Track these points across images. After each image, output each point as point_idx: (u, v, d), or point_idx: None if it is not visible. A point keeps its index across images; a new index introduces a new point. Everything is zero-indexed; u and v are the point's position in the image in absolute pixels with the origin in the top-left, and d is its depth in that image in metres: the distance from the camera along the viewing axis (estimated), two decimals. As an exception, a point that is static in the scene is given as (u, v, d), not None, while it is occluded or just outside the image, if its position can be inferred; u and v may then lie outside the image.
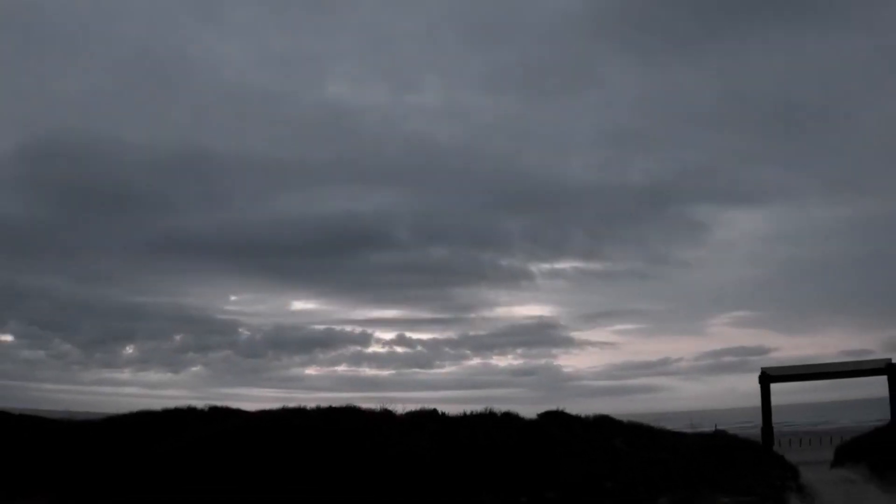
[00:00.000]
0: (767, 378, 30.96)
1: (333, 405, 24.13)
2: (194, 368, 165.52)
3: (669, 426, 29.10)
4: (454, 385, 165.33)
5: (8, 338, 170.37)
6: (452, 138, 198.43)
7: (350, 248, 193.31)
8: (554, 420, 26.94)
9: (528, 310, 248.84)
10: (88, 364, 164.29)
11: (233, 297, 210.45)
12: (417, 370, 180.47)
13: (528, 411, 25.81)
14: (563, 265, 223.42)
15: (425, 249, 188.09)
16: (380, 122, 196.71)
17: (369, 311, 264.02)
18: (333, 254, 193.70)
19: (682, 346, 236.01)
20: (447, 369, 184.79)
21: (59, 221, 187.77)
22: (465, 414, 25.08)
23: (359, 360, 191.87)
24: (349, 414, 24.99)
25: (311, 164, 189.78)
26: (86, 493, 18.16)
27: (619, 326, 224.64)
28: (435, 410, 25.23)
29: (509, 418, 25.65)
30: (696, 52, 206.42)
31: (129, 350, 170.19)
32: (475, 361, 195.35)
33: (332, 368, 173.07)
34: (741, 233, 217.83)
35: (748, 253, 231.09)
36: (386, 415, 24.68)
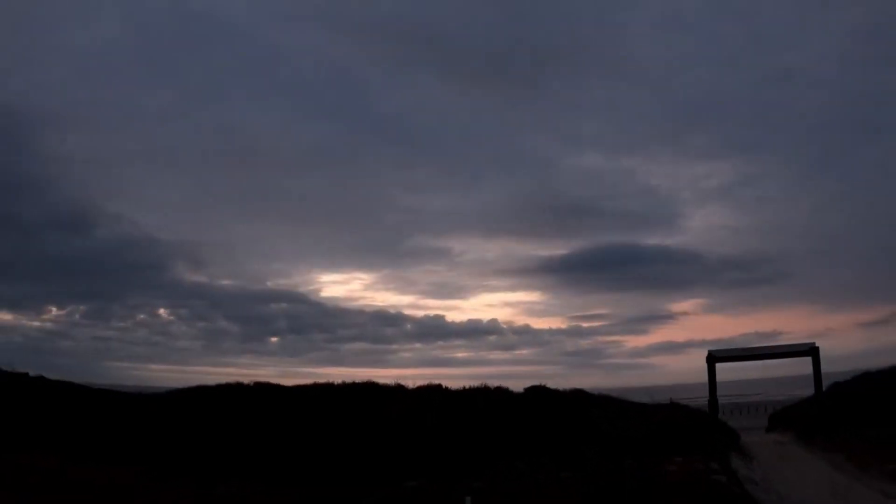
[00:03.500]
0: (713, 358, 33.62)
1: (357, 381, 25.70)
2: (314, 354, 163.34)
3: (633, 398, 31.25)
4: (507, 363, 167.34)
5: (187, 328, 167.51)
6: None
7: (617, 266, 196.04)
8: (537, 394, 28.86)
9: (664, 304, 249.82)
10: (223, 351, 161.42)
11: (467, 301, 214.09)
12: (497, 352, 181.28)
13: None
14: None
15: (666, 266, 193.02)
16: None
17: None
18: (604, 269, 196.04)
19: (723, 330, 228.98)
20: (520, 351, 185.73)
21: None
22: (464, 388, 26.69)
23: (459, 345, 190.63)
24: (367, 388, 26.70)
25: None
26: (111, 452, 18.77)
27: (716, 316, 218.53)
28: (440, 385, 26.80)
29: (500, 392, 27.42)
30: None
31: (275, 340, 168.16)
32: (548, 346, 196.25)
33: (427, 352, 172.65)
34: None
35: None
36: (398, 388, 26.46)
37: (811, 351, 32.57)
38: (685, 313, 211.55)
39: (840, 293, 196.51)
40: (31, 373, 21.98)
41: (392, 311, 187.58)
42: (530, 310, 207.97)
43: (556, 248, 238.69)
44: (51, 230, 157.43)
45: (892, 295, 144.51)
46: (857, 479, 18.62)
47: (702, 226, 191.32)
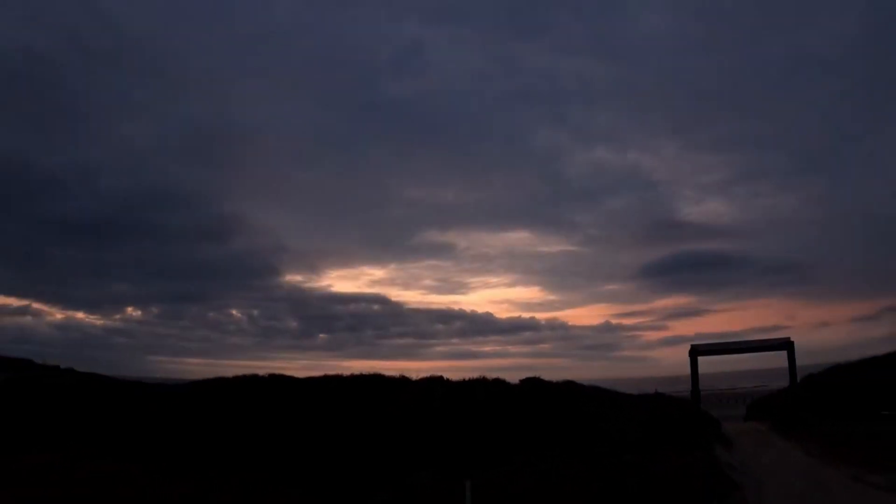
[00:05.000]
0: (696, 352, 34.81)
1: (365, 373, 26.26)
2: (355, 348, 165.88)
3: (623, 389, 32.26)
4: (527, 355, 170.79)
5: (249, 327, 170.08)
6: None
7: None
8: (531, 385, 29.60)
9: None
10: (271, 347, 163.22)
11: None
12: (519, 345, 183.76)
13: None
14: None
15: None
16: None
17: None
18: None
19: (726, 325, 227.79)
20: (544, 345, 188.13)
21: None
22: (464, 379, 27.44)
23: (493, 340, 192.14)
24: (373, 379, 27.34)
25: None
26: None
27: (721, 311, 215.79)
28: (441, 377, 27.54)
29: (498, 383, 28.17)
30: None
31: (323, 336, 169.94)
32: (570, 340, 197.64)
33: (460, 346, 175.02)
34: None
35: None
36: (403, 380, 27.19)
37: (786, 345, 33.78)
38: (701, 308, 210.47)
39: (839, 288, 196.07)
40: (62, 365, 22.66)
41: (455, 307, 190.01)
42: (561, 305, 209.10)
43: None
44: (190, 238, 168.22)
45: (885, 290, 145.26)
46: (828, 464, 19.52)
47: (702, 222, 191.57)
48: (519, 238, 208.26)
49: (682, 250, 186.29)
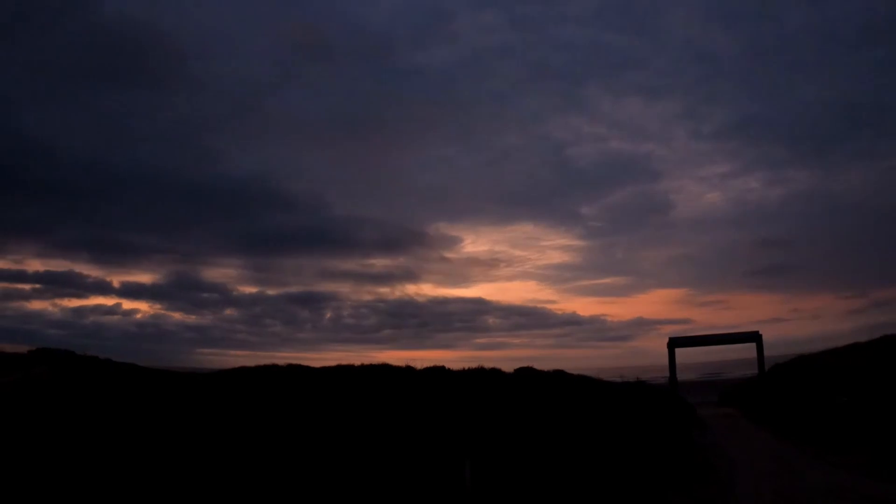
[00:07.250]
0: (674, 343, 36.75)
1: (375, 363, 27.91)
2: (410, 340, 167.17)
3: (609, 377, 33.80)
4: (550, 347, 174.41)
5: (328, 323, 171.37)
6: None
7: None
8: (524, 374, 31.02)
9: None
10: (330, 340, 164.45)
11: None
12: (542, 338, 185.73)
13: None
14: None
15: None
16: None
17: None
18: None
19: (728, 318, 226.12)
20: (565, 337, 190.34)
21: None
22: (463, 369, 28.98)
23: (516, 334, 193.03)
24: (381, 369, 28.73)
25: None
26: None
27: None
28: (443, 367, 29.13)
29: (494, 372, 29.61)
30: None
31: (386, 331, 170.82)
32: (584, 335, 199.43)
33: (494, 338, 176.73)
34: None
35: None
36: (408, 369, 28.65)
37: (755, 337, 35.72)
38: (706, 302, 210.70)
39: (837, 282, 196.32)
40: (100, 356, 23.67)
41: (529, 305, 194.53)
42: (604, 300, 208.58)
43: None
44: (360, 250, 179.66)
45: (876, 282, 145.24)
46: (793, 446, 20.94)
47: (705, 217, 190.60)
48: (524, 230, 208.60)
49: (684, 246, 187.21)
